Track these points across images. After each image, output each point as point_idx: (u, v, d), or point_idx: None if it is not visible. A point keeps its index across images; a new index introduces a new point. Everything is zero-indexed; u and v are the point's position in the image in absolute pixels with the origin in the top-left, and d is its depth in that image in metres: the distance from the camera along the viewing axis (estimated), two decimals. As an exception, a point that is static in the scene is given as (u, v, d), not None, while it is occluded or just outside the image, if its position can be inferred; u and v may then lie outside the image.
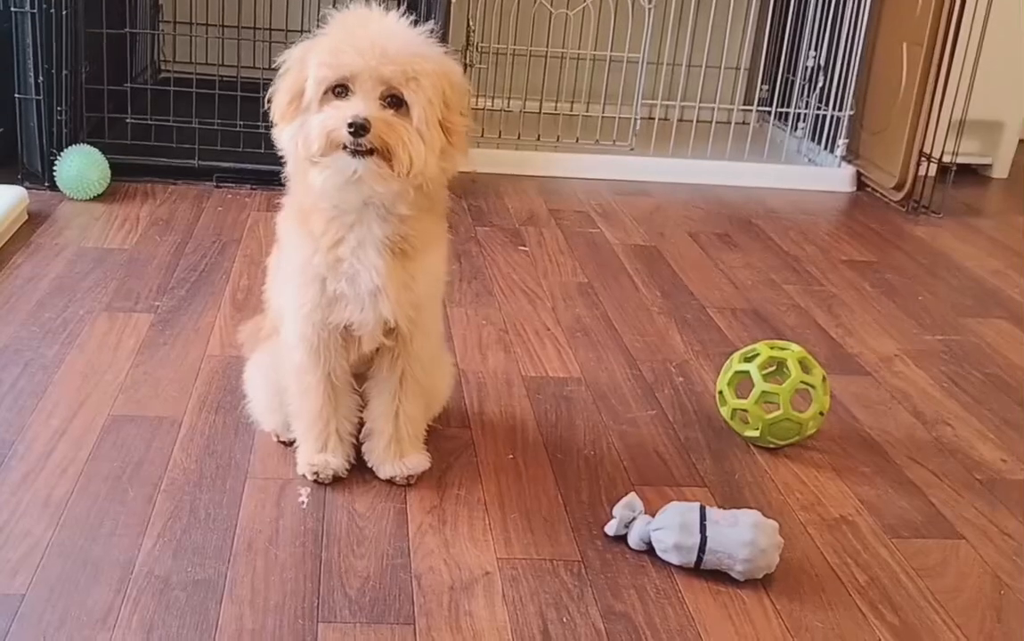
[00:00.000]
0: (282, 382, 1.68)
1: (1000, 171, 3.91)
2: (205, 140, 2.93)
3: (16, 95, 2.76)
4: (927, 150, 3.32)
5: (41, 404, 1.80)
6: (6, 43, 2.73)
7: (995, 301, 2.70)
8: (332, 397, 1.64)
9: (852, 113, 3.57)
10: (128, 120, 2.95)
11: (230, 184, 2.94)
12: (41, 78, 2.73)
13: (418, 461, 1.68)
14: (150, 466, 1.65)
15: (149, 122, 2.95)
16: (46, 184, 2.78)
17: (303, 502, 1.61)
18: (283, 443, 1.73)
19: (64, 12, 2.71)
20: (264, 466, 1.69)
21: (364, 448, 1.69)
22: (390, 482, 1.66)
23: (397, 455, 1.66)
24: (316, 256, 1.54)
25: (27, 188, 2.66)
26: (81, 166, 2.75)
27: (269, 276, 1.75)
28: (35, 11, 2.68)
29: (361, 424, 1.69)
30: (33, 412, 1.77)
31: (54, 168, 2.75)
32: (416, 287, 1.57)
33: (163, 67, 3.61)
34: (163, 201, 2.82)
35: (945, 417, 2.07)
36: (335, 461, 1.65)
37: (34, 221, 2.59)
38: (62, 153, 2.75)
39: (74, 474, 1.61)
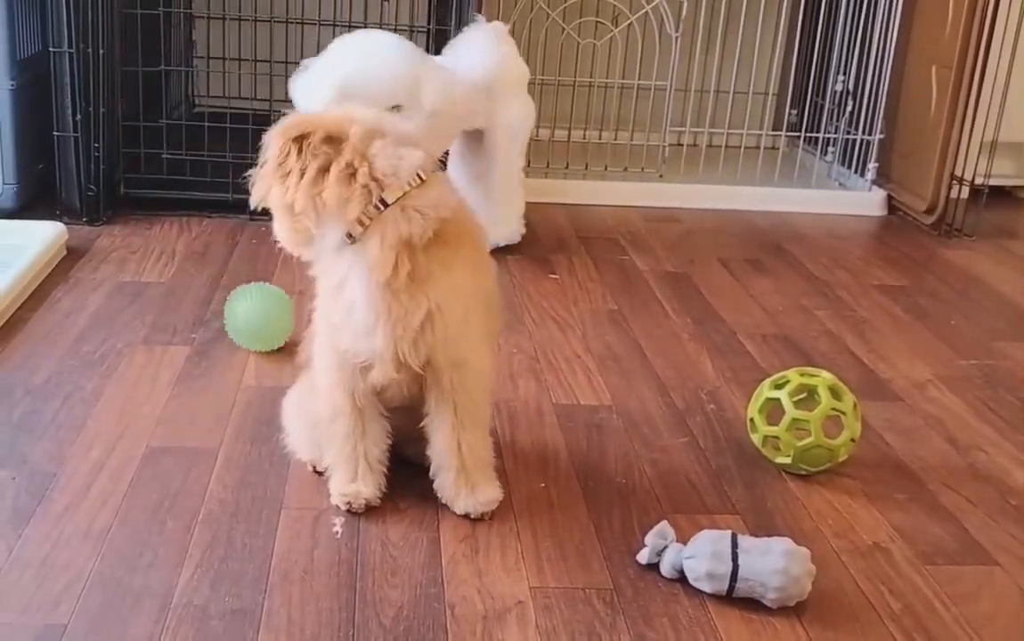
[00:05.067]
0: (315, 409, 1.70)
1: (1034, 193, 3.88)
2: (239, 174, 2.96)
3: (55, 133, 2.82)
4: (958, 173, 3.31)
5: (81, 436, 1.83)
6: (45, 83, 2.79)
7: (1029, 324, 2.69)
8: (359, 421, 1.66)
9: (882, 136, 3.56)
10: (164, 155, 3.00)
11: (264, 217, 2.95)
12: (79, 116, 2.79)
13: (491, 494, 1.69)
14: (187, 497, 1.68)
15: (184, 157, 3.00)
16: (84, 219, 2.84)
17: (337, 532, 1.62)
18: (319, 473, 1.75)
19: (101, 51, 2.77)
20: (299, 497, 1.71)
21: (435, 485, 1.69)
22: (466, 517, 1.67)
23: (468, 488, 1.67)
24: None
25: (66, 223, 2.71)
26: (266, 313, 2.16)
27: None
28: (73, 51, 2.74)
29: (391, 454, 1.71)
30: (73, 444, 1.81)
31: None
32: (412, 321, 1.54)
33: (197, 102, 3.66)
34: (198, 235, 2.87)
35: (979, 443, 2.05)
36: (367, 490, 1.67)
37: (73, 256, 2.64)
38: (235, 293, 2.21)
39: (114, 506, 1.64)
